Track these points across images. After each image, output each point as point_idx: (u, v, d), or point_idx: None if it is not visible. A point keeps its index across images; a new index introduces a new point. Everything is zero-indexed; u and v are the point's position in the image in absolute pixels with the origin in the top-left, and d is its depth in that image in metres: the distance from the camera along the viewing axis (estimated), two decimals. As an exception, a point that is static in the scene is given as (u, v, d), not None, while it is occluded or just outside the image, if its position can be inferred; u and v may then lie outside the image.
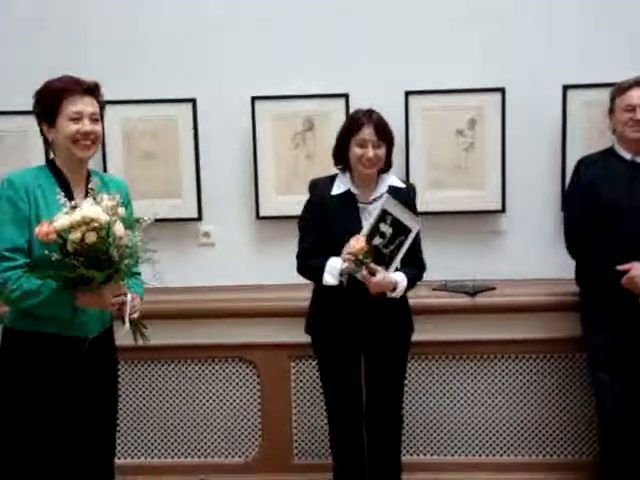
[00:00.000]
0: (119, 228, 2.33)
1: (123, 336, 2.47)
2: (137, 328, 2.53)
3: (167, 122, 3.64)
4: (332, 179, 3.00)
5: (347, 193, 2.95)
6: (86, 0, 3.67)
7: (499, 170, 3.53)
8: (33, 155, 3.36)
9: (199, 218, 3.73)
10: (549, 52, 3.53)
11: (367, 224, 2.85)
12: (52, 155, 2.59)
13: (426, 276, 3.07)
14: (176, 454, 3.63)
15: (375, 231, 2.83)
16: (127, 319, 2.43)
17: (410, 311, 3.08)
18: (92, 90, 2.53)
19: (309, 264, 2.99)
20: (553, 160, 3.59)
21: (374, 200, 2.93)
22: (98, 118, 2.54)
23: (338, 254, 2.81)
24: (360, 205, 2.94)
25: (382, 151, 2.89)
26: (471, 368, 3.46)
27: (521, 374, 3.48)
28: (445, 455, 3.49)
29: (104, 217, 2.30)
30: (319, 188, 2.99)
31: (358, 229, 2.84)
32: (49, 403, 2.42)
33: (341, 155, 2.96)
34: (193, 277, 3.72)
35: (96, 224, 2.26)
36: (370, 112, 2.90)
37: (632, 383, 3.10)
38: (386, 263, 2.81)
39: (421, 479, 3.42)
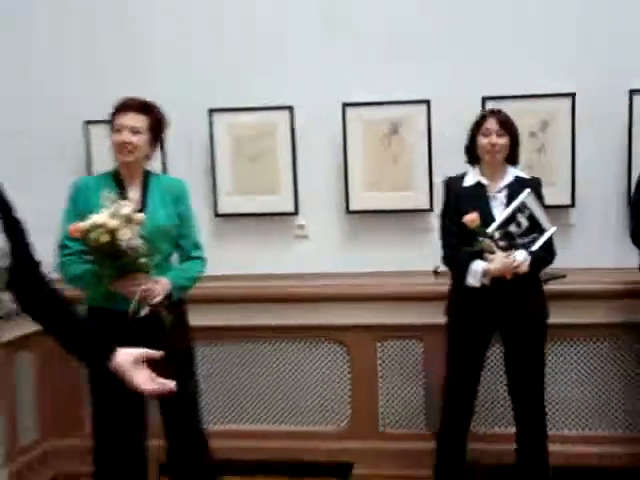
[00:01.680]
0: (124, 232, 2.54)
1: (141, 314, 2.68)
2: (156, 312, 2.72)
3: (268, 127, 3.82)
4: (463, 175, 3.20)
5: (477, 184, 3.13)
6: (199, 19, 3.90)
7: (569, 168, 3.61)
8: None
9: (295, 213, 3.90)
10: (616, 59, 3.60)
11: (505, 212, 3.00)
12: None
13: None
14: (277, 422, 3.86)
15: (512, 219, 2.98)
16: (134, 303, 2.65)
17: (544, 296, 3.17)
18: (136, 107, 2.80)
19: (455, 260, 3.14)
20: (620, 159, 3.65)
21: (502, 189, 3.11)
22: (140, 131, 2.79)
23: (471, 240, 3.00)
24: (490, 194, 3.11)
25: (504, 140, 3.07)
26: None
27: (589, 355, 3.60)
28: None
29: (112, 222, 2.54)
30: (452, 183, 3.19)
31: (489, 215, 3.04)
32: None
33: (471, 149, 3.17)
34: (289, 266, 3.90)
35: (106, 228, 2.53)
36: (495, 110, 3.15)
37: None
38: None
39: (499, 449, 3.50)
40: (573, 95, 3.62)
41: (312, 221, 3.96)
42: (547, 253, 3.10)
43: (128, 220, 2.57)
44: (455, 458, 3.27)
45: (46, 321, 1.94)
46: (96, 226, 2.53)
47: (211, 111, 3.85)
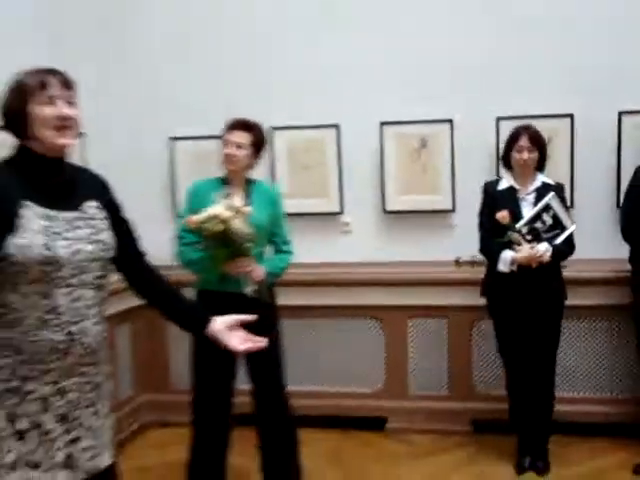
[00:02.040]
0: (236, 222, 2.80)
1: (248, 293, 3.01)
2: (257, 289, 3.05)
3: (318, 141, 4.30)
4: (498, 180, 3.62)
5: (510, 188, 3.51)
6: (263, 47, 4.31)
7: (568, 176, 4.01)
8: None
9: (341, 212, 4.33)
10: (609, 86, 4.01)
11: (531, 211, 3.32)
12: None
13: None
14: (325, 383, 4.32)
15: (537, 217, 3.34)
16: (246, 282, 3.02)
17: (563, 282, 3.53)
18: (241, 127, 3.16)
19: (488, 249, 3.50)
20: (610, 168, 4.04)
21: (531, 192, 3.46)
22: (241, 146, 3.13)
23: (503, 233, 3.36)
24: (520, 197, 3.48)
25: (535, 155, 3.45)
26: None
27: (587, 332, 4.06)
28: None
29: (226, 213, 2.79)
30: (490, 186, 3.59)
31: (519, 214, 3.38)
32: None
33: (506, 159, 3.55)
34: (336, 256, 4.31)
35: (221, 218, 2.77)
36: (527, 126, 3.50)
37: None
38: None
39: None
40: (571, 116, 4.09)
41: (355, 219, 4.37)
42: (568, 246, 3.45)
43: (238, 212, 2.85)
44: (523, 408, 3.63)
45: (152, 297, 2.20)
46: (212, 217, 2.80)
47: (273, 128, 4.28)
